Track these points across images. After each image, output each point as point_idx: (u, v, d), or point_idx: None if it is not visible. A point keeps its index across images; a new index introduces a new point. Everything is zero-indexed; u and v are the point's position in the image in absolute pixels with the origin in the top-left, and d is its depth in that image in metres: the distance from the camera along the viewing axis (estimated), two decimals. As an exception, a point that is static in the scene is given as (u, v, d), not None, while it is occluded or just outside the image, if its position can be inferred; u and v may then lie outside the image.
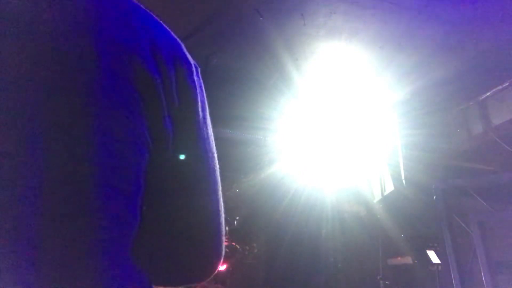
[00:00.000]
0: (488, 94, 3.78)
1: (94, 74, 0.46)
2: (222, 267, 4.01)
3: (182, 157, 0.52)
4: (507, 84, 3.56)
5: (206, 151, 0.56)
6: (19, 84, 0.42)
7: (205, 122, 0.57)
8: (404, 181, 3.88)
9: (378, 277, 4.23)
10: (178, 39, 0.56)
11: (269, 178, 4.34)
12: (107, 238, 0.44)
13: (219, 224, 0.56)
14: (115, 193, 0.45)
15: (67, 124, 0.43)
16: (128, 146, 0.47)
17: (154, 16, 0.55)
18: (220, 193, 0.58)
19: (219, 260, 0.57)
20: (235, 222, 3.96)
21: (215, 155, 0.59)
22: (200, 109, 0.56)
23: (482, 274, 3.94)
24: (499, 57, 3.30)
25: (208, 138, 0.57)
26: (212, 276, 0.57)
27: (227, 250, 4.13)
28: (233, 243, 4.08)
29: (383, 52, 3.27)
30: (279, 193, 3.27)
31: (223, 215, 0.57)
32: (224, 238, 0.57)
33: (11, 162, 0.41)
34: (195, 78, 0.56)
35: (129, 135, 0.47)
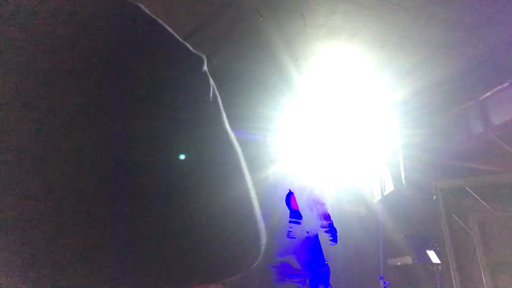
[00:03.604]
0: (488, 94, 3.78)
1: (107, 73, 0.46)
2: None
3: (182, 156, 0.53)
4: (507, 84, 3.57)
5: (214, 148, 0.56)
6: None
7: (212, 120, 0.57)
8: (404, 181, 3.88)
9: (378, 277, 4.23)
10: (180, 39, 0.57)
11: (269, 178, 4.33)
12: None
13: (227, 226, 0.54)
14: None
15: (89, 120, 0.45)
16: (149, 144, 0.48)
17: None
18: (235, 193, 0.56)
19: (230, 264, 0.55)
20: None
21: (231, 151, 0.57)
22: (206, 105, 0.57)
23: (482, 274, 3.94)
24: (499, 57, 3.30)
25: (215, 138, 0.57)
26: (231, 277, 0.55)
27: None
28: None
29: (383, 52, 3.27)
30: (278, 193, 3.28)
31: (237, 216, 0.54)
32: (248, 237, 0.53)
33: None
34: (198, 76, 0.57)
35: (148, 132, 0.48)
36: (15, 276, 0.41)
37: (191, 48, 0.57)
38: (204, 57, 0.57)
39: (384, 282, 3.88)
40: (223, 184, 0.53)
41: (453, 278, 4.11)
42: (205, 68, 0.57)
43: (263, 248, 0.56)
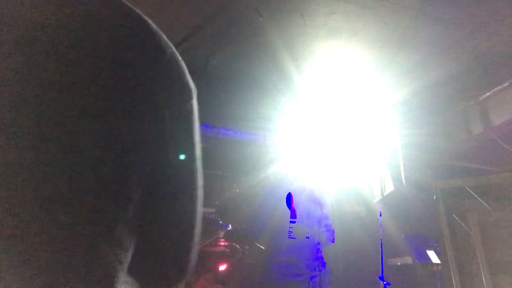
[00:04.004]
0: (488, 94, 3.78)
1: (102, 76, 0.47)
2: (222, 267, 4.01)
3: (177, 160, 0.53)
4: (507, 84, 3.56)
5: (195, 155, 0.58)
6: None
7: (195, 125, 0.59)
8: (404, 181, 3.88)
9: (378, 277, 4.23)
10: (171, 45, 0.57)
11: (269, 178, 4.33)
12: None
13: (196, 229, 0.58)
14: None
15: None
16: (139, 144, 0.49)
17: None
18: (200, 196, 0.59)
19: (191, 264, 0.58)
20: (230, 226, 3.97)
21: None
22: (194, 113, 0.57)
23: (482, 274, 3.94)
24: (499, 57, 3.30)
25: (196, 142, 0.59)
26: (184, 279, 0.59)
27: (227, 250, 4.13)
28: (233, 243, 4.08)
29: (383, 52, 3.27)
30: (279, 193, 3.29)
31: (197, 218, 0.59)
32: (194, 243, 0.59)
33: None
34: (188, 80, 0.57)
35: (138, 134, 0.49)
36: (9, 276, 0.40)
37: (186, 75, 0.57)
38: (194, 90, 0.58)
39: (384, 282, 3.88)
40: (178, 204, 0.56)
41: (453, 278, 4.11)
42: (188, 78, 0.57)
43: (185, 276, 0.59)
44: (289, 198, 3.20)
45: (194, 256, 0.58)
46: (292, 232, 3.05)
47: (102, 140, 0.45)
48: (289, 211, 3.14)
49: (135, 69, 0.49)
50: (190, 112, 0.57)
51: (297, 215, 3.12)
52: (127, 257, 0.47)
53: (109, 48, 0.48)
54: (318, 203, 3.30)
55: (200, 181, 0.59)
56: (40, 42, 0.45)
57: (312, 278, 2.94)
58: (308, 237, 3.07)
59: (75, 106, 0.44)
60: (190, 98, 0.56)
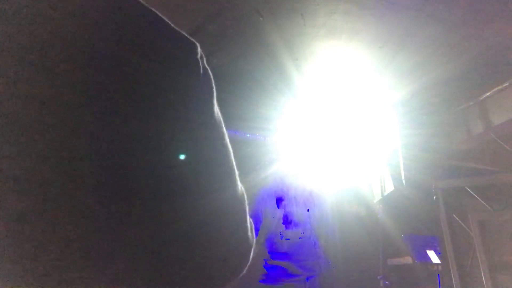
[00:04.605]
0: (488, 94, 3.78)
1: (100, 71, 0.46)
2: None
3: (181, 157, 0.52)
4: (507, 84, 3.56)
5: (208, 151, 0.55)
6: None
7: (208, 121, 0.56)
8: (404, 181, 3.88)
9: (378, 277, 4.23)
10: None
11: (268, 178, 4.33)
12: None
13: (223, 227, 0.53)
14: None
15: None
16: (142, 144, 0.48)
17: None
18: (229, 193, 0.56)
19: (233, 263, 0.55)
20: None
21: (225, 156, 0.57)
22: (202, 108, 0.56)
23: (482, 274, 3.94)
24: (499, 57, 3.30)
25: (211, 140, 0.56)
26: (234, 279, 0.56)
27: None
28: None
29: (383, 52, 3.27)
30: (276, 193, 3.29)
31: (231, 217, 0.54)
32: (236, 241, 0.54)
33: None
34: (196, 77, 0.56)
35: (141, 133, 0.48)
36: (19, 268, 0.40)
37: (190, 49, 0.56)
38: (206, 68, 0.57)
39: (384, 282, 3.88)
40: (219, 189, 0.53)
41: (453, 278, 4.11)
42: (195, 76, 0.56)
43: (250, 257, 0.56)
44: (285, 198, 3.21)
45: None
46: (285, 232, 3.06)
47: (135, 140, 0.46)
48: (285, 211, 3.14)
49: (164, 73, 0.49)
50: (212, 111, 0.56)
51: (293, 215, 3.12)
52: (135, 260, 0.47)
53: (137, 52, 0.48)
54: (316, 203, 3.29)
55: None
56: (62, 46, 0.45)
57: (308, 278, 2.94)
58: (302, 237, 3.07)
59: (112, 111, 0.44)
60: (212, 100, 0.56)
